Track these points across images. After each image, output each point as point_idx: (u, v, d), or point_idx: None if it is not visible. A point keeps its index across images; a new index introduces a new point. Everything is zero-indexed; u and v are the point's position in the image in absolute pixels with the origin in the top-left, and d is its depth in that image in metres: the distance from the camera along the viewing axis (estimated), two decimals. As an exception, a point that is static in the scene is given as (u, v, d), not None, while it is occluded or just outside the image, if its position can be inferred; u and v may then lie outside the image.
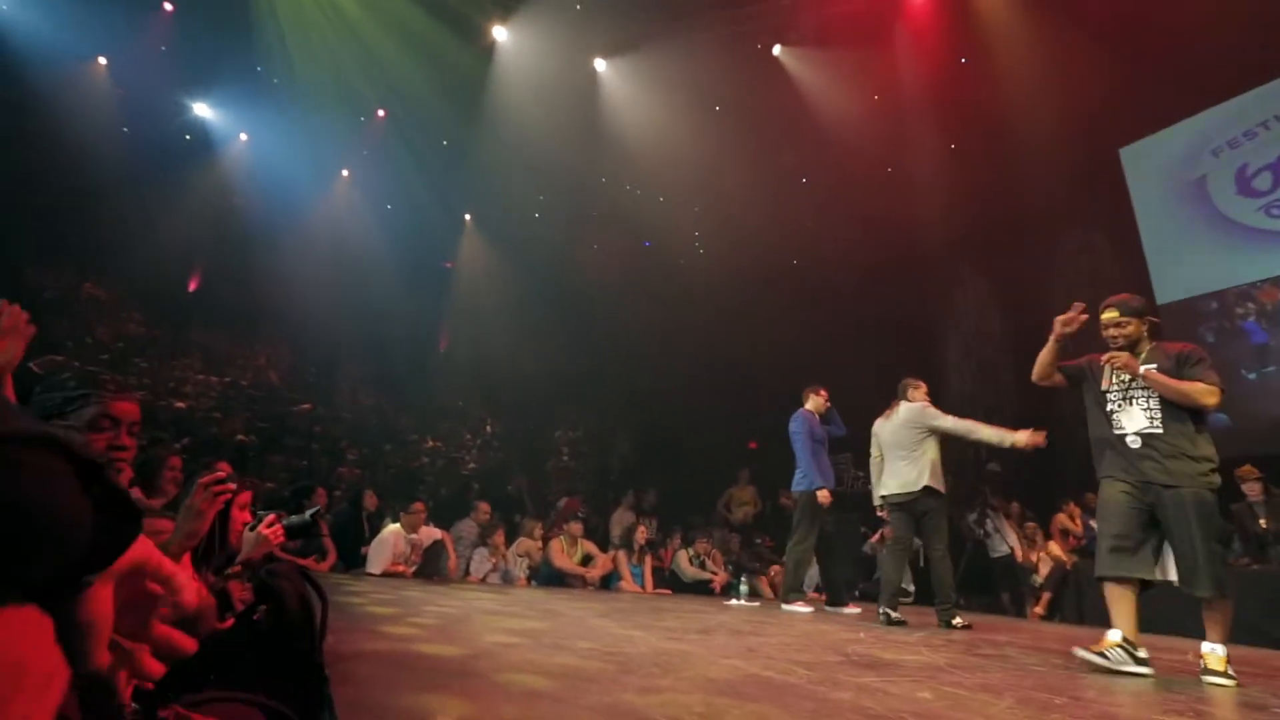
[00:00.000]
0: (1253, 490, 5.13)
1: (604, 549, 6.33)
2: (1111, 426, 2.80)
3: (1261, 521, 5.06)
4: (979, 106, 8.03)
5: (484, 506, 5.96)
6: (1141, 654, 2.63)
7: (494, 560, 5.53)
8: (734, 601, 5.17)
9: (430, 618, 3.14)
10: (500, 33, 8.80)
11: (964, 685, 2.19)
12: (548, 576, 5.69)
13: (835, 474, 5.22)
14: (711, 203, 9.76)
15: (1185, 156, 7.13)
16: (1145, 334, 2.84)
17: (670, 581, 6.30)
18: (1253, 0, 5.74)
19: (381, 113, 10.77)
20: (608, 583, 5.95)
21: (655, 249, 10.58)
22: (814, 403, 5.11)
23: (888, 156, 8.89)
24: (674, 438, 9.57)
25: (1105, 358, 2.84)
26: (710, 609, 4.60)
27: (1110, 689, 2.32)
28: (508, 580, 5.57)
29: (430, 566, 5.10)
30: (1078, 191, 7.86)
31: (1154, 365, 2.72)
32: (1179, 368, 2.69)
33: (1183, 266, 7.10)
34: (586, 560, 5.86)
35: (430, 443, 9.43)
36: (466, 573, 5.52)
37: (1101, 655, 2.62)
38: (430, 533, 5.23)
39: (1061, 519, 6.49)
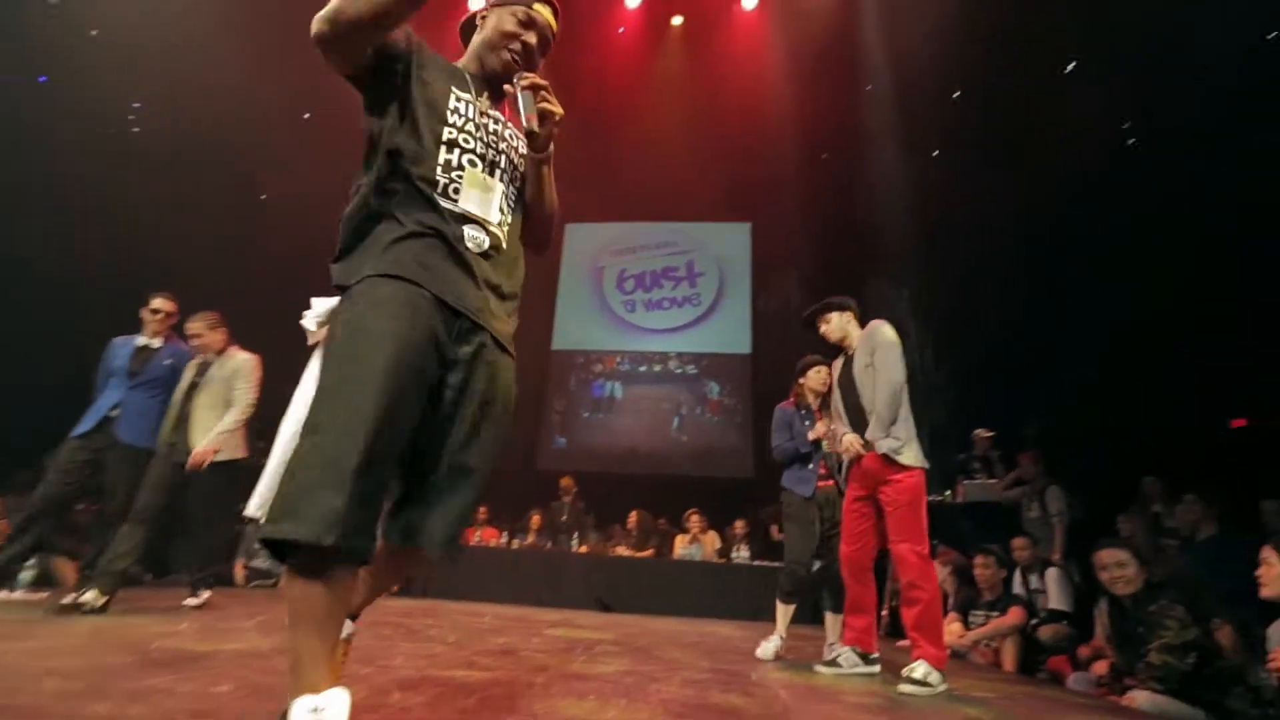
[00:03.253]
0: None
1: None
2: (443, 197, 1.30)
3: None
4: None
5: None
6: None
7: None
8: (6, 593, 3.65)
9: None
10: None
11: (277, 670, 2.03)
12: None
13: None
14: (176, 85, 7.46)
15: (598, 249, 9.80)
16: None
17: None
18: (680, 155, 8.20)
19: None
20: None
21: (56, 90, 7.33)
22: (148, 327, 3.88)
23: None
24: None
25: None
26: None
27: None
28: None
29: None
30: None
31: None
32: None
33: (575, 327, 9.55)
34: None
35: None
36: None
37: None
38: None
39: None
